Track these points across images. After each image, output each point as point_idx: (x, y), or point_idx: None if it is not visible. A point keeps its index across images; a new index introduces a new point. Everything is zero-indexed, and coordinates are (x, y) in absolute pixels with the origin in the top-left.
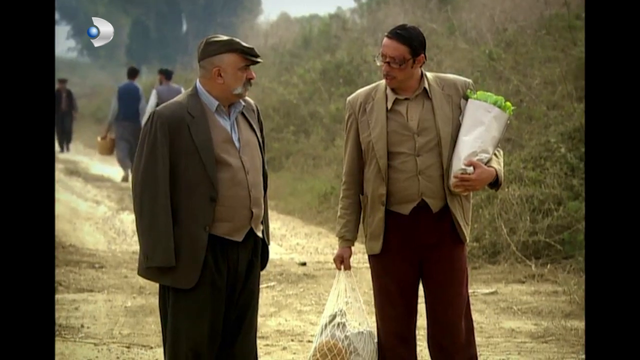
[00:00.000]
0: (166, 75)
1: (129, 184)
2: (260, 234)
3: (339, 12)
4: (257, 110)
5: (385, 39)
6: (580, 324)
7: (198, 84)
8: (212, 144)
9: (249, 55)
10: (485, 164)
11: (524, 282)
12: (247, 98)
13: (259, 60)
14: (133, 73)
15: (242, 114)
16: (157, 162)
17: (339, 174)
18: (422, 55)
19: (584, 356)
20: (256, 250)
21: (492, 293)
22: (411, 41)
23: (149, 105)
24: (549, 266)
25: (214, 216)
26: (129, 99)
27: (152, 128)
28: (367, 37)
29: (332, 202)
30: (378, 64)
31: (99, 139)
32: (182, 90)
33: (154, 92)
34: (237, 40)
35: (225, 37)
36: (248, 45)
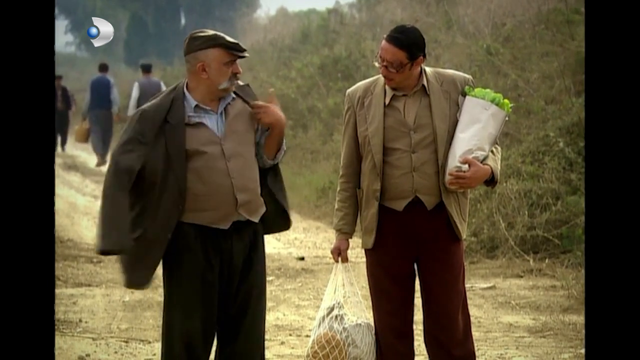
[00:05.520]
0: (145, 69)
1: (102, 169)
2: (256, 219)
3: (337, 7)
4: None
5: (384, 42)
6: (578, 319)
7: (182, 83)
8: (183, 155)
9: (233, 50)
10: (481, 162)
11: (522, 277)
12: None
13: (243, 55)
14: (104, 68)
15: (244, 102)
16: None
17: (337, 168)
18: (421, 57)
19: (582, 351)
20: (255, 244)
21: (490, 288)
22: (409, 46)
23: (132, 97)
24: (547, 261)
25: (178, 221)
26: (101, 91)
27: (135, 122)
28: (366, 31)
29: (330, 197)
30: (376, 65)
31: (75, 127)
32: (162, 83)
33: (136, 85)
34: (221, 35)
35: (209, 32)
36: (232, 40)
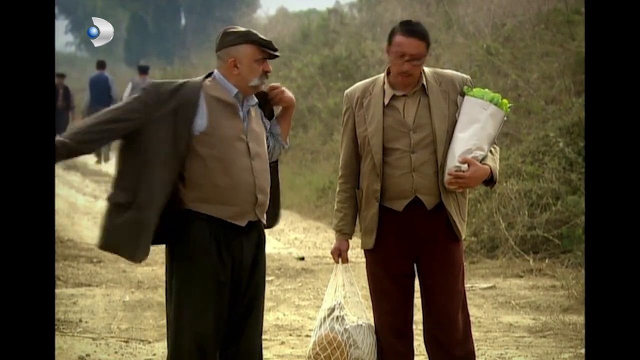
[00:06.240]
0: (142, 70)
1: (94, 164)
2: (264, 221)
3: (337, 7)
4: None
5: (403, 38)
6: (578, 319)
7: (216, 72)
8: (188, 134)
9: (265, 48)
10: (480, 162)
11: (522, 277)
12: None
13: (276, 53)
14: (101, 65)
15: (257, 106)
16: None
17: (337, 168)
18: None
19: (581, 351)
20: (261, 244)
21: (490, 287)
22: (426, 37)
23: (124, 97)
24: (547, 261)
25: (193, 212)
26: (100, 88)
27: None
28: (366, 31)
29: (330, 197)
30: (391, 62)
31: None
32: None
33: (129, 85)
34: (255, 32)
35: (242, 29)
36: (265, 38)
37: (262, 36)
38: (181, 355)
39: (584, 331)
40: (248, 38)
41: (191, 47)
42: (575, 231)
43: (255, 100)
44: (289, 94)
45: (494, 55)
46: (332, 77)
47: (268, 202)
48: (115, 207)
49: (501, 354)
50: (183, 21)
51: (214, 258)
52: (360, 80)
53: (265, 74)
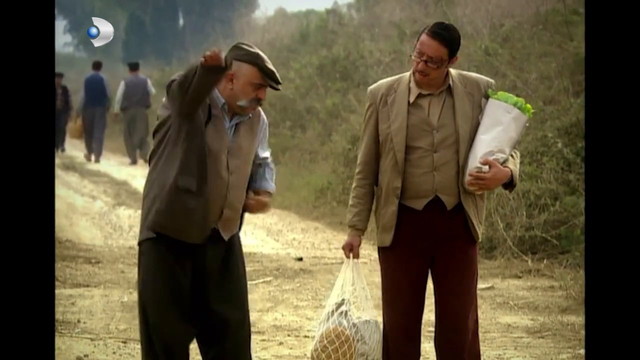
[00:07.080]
0: (132, 67)
1: (93, 165)
2: (226, 238)
3: (336, 7)
4: (264, 122)
5: (426, 37)
6: (576, 319)
7: None
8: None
9: (266, 76)
10: (501, 164)
11: (520, 277)
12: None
13: (276, 87)
14: (97, 65)
15: (249, 121)
16: None
17: (336, 169)
18: (456, 56)
19: (580, 351)
20: (232, 246)
21: (488, 288)
22: (451, 44)
23: (117, 95)
24: (545, 261)
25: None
26: (95, 88)
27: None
28: (364, 32)
29: (328, 197)
30: (413, 58)
31: (70, 124)
32: (148, 80)
33: (122, 83)
34: (264, 57)
35: (254, 50)
36: (271, 67)
37: (269, 65)
38: (151, 356)
39: (582, 331)
40: (252, 60)
41: (189, 47)
42: (574, 232)
43: (249, 116)
44: (265, 210)
45: (492, 55)
46: (330, 77)
47: (237, 219)
48: (184, 191)
49: (499, 355)
50: (181, 21)
51: (170, 262)
52: (359, 81)
53: (257, 100)
